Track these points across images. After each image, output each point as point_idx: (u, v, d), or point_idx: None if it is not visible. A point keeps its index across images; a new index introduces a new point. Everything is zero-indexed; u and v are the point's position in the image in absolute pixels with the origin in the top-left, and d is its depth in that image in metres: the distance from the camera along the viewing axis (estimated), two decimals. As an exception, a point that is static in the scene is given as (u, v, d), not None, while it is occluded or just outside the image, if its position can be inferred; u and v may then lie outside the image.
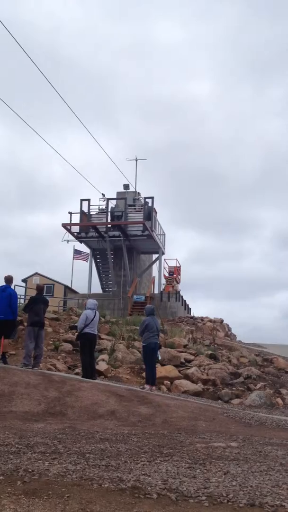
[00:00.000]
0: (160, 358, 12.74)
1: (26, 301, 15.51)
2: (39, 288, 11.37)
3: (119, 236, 26.86)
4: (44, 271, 33.36)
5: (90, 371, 10.39)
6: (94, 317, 10.63)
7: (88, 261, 28.91)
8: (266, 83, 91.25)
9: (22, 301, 19.96)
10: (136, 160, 31.90)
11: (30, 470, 3.87)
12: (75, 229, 27.57)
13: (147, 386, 10.24)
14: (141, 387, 10.41)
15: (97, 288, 29.78)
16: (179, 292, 28.96)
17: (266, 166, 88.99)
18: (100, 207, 28.53)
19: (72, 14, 77.59)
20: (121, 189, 29.84)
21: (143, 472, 3.98)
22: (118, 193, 29.98)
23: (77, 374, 11.29)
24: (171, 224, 73.12)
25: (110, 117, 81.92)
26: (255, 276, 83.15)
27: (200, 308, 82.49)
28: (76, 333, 11.31)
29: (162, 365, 13.46)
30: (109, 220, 27.45)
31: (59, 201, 76.59)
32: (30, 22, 70.46)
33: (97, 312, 10.96)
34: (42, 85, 40.80)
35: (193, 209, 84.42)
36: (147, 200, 28.17)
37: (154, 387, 10.45)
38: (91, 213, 28.09)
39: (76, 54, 75.74)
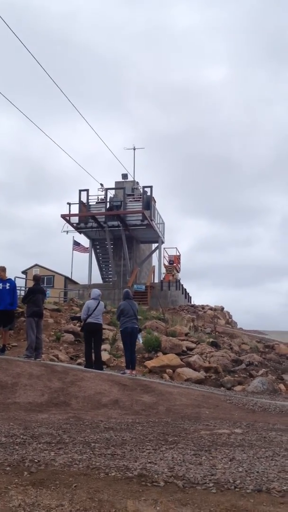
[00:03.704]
0: (141, 341, 12.71)
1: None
2: (36, 278, 11.35)
3: (118, 226, 26.81)
4: (45, 262, 33.38)
5: (96, 362, 10.33)
6: (96, 306, 10.62)
7: (88, 251, 28.88)
8: (283, 68, 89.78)
9: (23, 292, 19.95)
10: (134, 149, 31.79)
11: (36, 460, 3.87)
12: (75, 219, 27.50)
13: (127, 371, 10.24)
14: (121, 372, 10.37)
15: (97, 279, 29.83)
16: (179, 280, 29.01)
17: (280, 152, 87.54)
18: (99, 197, 28.46)
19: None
20: (125, 179, 29.68)
21: (149, 460, 3.99)
22: (116, 182, 29.86)
23: (79, 364, 11.31)
24: (181, 211, 72.48)
25: (124, 104, 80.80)
26: (263, 263, 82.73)
27: (206, 296, 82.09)
28: (79, 324, 11.26)
29: (164, 353, 13.49)
30: (108, 210, 27.38)
31: (66, 192, 76.47)
32: (43, 7, 69.18)
33: (101, 302, 10.92)
34: (55, 75, 40.15)
35: (204, 196, 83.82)
36: (145, 189, 28.06)
37: (134, 372, 10.38)
38: (90, 203, 28.00)
39: (90, 40, 74.38)
